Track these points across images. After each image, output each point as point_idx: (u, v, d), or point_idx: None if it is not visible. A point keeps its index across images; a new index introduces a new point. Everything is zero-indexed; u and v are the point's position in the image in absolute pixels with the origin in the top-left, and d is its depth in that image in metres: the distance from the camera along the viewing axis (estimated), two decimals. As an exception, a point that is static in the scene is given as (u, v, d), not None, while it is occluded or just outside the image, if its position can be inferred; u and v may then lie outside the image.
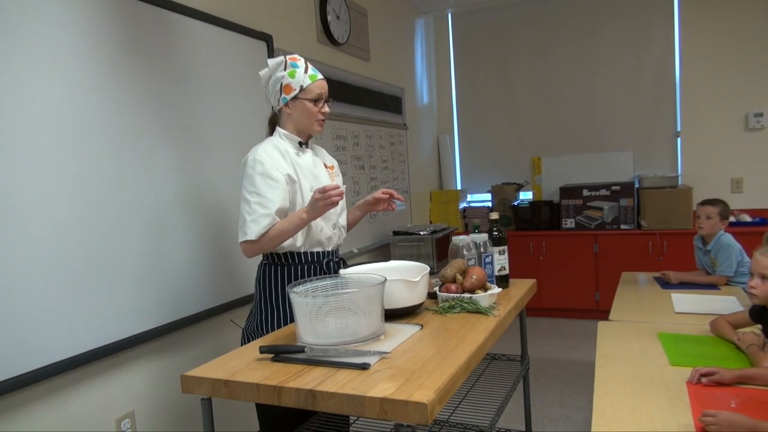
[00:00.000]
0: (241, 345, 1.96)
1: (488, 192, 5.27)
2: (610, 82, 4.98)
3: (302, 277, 1.90)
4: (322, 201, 1.73)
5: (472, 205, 5.51)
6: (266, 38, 2.82)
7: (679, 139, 4.80)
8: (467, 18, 5.43)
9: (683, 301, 2.45)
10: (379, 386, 1.17)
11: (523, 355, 2.23)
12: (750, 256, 1.86)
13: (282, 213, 1.83)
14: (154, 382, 2.17)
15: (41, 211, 1.71)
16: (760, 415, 1.28)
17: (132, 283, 2.02)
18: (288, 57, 1.92)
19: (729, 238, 2.80)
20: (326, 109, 1.96)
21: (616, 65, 4.94)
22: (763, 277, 1.68)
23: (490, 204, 5.26)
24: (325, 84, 1.96)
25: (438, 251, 4.02)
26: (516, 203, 4.99)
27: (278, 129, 1.96)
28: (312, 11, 3.38)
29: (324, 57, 3.48)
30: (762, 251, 1.73)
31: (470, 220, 5.24)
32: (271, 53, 2.85)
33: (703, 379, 1.50)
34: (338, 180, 2.09)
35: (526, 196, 5.26)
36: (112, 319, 1.94)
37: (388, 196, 2.01)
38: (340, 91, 3.64)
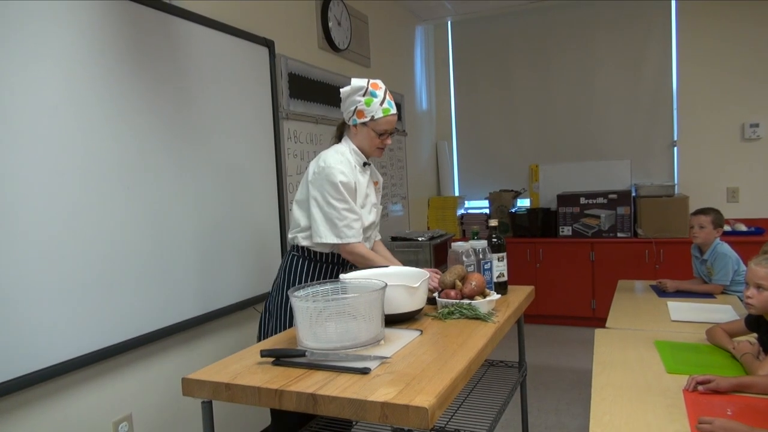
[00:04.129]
0: (262, 318, 2.17)
1: (486, 199, 5.29)
2: (608, 90, 5.01)
3: (326, 274, 2.10)
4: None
5: (470, 211, 5.53)
6: (268, 44, 2.84)
7: (675, 148, 4.84)
8: (467, 26, 5.47)
9: (679, 309, 2.47)
10: (380, 391, 1.18)
11: (521, 361, 2.24)
12: (746, 265, 1.87)
13: None
14: (151, 386, 2.17)
15: (42, 213, 1.72)
16: (756, 423, 1.30)
17: (131, 287, 2.03)
18: (371, 83, 2.04)
19: (726, 247, 2.82)
20: (388, 141, 2.12)
21: (614, 74, 4.98)
22: (759, 287, 1.70)
23: (487, 211, 5.28)
24: (394, 120, 2.10)
25: (435, 257, 4.03)
26: (513, 210, 5.01)
27: (349, 142, 2.13)
28: (313, 17, 3.41)
29: (325, 63, 3.50)
30: (757, 261, 1.75)
31: (468, 227, 5.26)
32: (273, 58, 2.87)
33: (700, 387, 1.52)
34: (379, 196, 2.27)
35: (523, 203, 5.28)
36: (111, 322, 1.94)
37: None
38: (340, 96, 3.64)
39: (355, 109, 2.05)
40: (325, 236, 1.99)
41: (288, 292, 1.54)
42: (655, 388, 1.59)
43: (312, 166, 2.07)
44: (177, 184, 2.25)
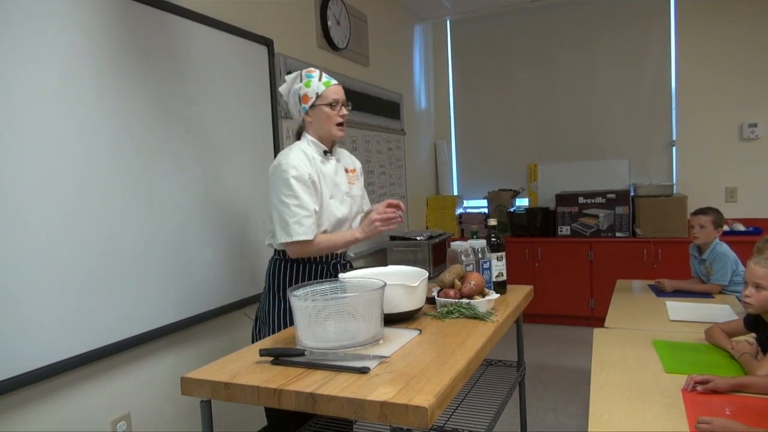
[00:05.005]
0: (254, 327, 2.15)
1: (484, 198, 5.29)
2: (607, 90, 5.02)
3: (310, 274, 2.03)
4: (380, 224, 1.96)
5: (469, 211, 5.53)
6: (267, 42, 2.84)
7: (674, 147, 4.85)
8: (465, 25, 5.46)
9: (678, 309, 2.47)
10: (379, 390, 1.18)
11: (520, 361, 2.24)
12: (744, 265, 1.88)
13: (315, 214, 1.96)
14: (149, 384, 2.17)
15: (39, 212, 1.72)
16: (754, 423, 1.30)
17: (129, 286, 2.02)
18: (304, 70, 2.05)
19: (724, 247, 2.82)
20: (344, 111, 2.05)
21: (613, 74, 4.98)
22: (757, 287, 1.70)
23: (486, 210, 5.29)
24: (340, 89, 2.06)
25: (434, 257, 4.04)
26: (512, 210, 5.01)
27: (306, 135, 2.07)
28: (312, 16, 3.40)
29: (324, 62, 3.50)
30: (756, 260, 1.75)
31: (466, 226, 5.26)
32: (272, 57, 2.86)
33: (698, 387, 1.52)
34: (358, 184, 2.21)
35: (522, 202, 5.28)
36: (109, 321, 1.94)
37: (393, 210, 2.02)
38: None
39: (299, 96, 2.01)
40: (280, 236, 1.92)
41: (287, 291, 1.53)
42: (654, 387, 1.59)
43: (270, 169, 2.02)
44: (175, 182, 2.25)
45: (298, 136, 2.11)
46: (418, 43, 5.29)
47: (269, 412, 2.04)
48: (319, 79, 2.02)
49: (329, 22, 3.50)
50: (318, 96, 2.00)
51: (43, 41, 1.74)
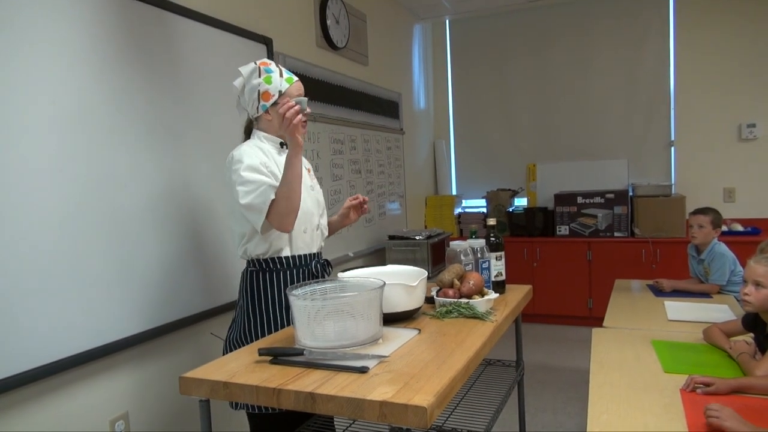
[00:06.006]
0: (224, 350, 1.94)
1: (483, 198, 5.29)
2: (606, 90, 5.02)
3: (290, 281, 1.88)
4: (286, 126, 1.76)
5: (467, 210, 5.53)
6: (266, 41, 2.84)
7: (672, 148, 4.86)
8: (465, 24, 5.47)
9: (676, 309, 2.47)
10: (379, 390, 1.18)
11: (518, 360, 2.24)
12: (743, 265, 1.88)
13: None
14: (148, 384, 2.16)
15: (39, 210, 1.71)
16: (754, 423, 1.30)
17: (128, 284, 2.02)
18: (259, 62, 1.90)
19: (723, 247, 2.82)
20: (308, 110, 1.90)
21: (612, 74, 4.99)
22: (757, 284, 1.70)
23: (485, 210, 5.29)
24: (302, 86, 1.94)
25: (433, 256, 4.04)
26: (511, 209, 5.01)
27: (258, 132, 1.93)
28: (312, 15, 3.40)
29: (323, 61, 3.50)
30: (756, 259, 1.76)
31: (465, 226, 5.26)
32: (271, 56, 2.86)
33: (698, 391, 1.52)
34: (315, 183, 2.05)
35: (520, 202, 5.28)
36: (107, 320, 1.94)
37: (358, 201, 2.07)
38: (338, 95, 3.65)
39: (259, 93, 1.86)
40: (257, 220, 1.76)
41: (287, 290, 1.52)
42: (653, 387, 1.59)
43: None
44: (175, 181, 2.24)
45: (248, 134, 1.97)
46: (418, 43, 5.29)
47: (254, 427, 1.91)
48: (281, 76, 1.88)
49: (328, 21, 3.49)
50: (281, 94, 1.86)
51: (45, 40, 1.73)
